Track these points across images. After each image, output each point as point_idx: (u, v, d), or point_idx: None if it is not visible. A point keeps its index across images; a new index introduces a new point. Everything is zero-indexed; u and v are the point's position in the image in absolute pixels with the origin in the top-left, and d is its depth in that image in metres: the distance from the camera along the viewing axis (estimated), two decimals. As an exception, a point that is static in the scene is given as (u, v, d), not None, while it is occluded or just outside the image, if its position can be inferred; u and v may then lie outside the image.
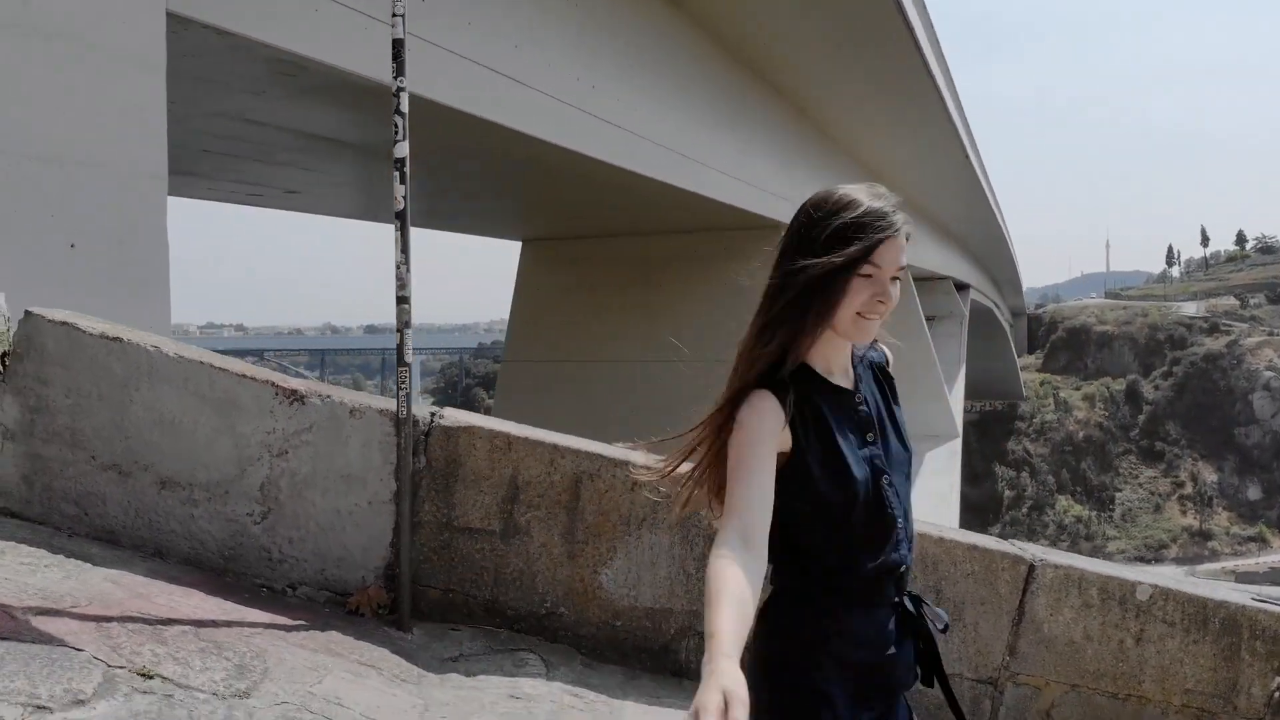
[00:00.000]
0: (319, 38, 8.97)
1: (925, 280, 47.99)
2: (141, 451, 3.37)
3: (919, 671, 1.70)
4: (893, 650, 1.63)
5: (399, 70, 3.48)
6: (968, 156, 32.33)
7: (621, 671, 3.48)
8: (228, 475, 3.38)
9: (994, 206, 47.52)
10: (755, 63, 19.31)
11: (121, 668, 2.45)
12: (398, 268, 3.32)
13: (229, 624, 2.96)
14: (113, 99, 6.69)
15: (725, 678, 1.20)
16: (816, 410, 1.58)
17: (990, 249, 59.87)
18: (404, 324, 3.33)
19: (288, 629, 3.08)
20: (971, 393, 78.61)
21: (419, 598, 3.45)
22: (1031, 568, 3.70)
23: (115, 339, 3.33)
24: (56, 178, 6.44)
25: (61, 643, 2.45)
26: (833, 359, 1.64)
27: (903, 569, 1.64)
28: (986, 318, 68.52)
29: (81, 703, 2.23)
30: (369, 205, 20.32)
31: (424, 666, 3.17)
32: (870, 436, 1.63)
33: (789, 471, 1.55)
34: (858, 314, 1.57)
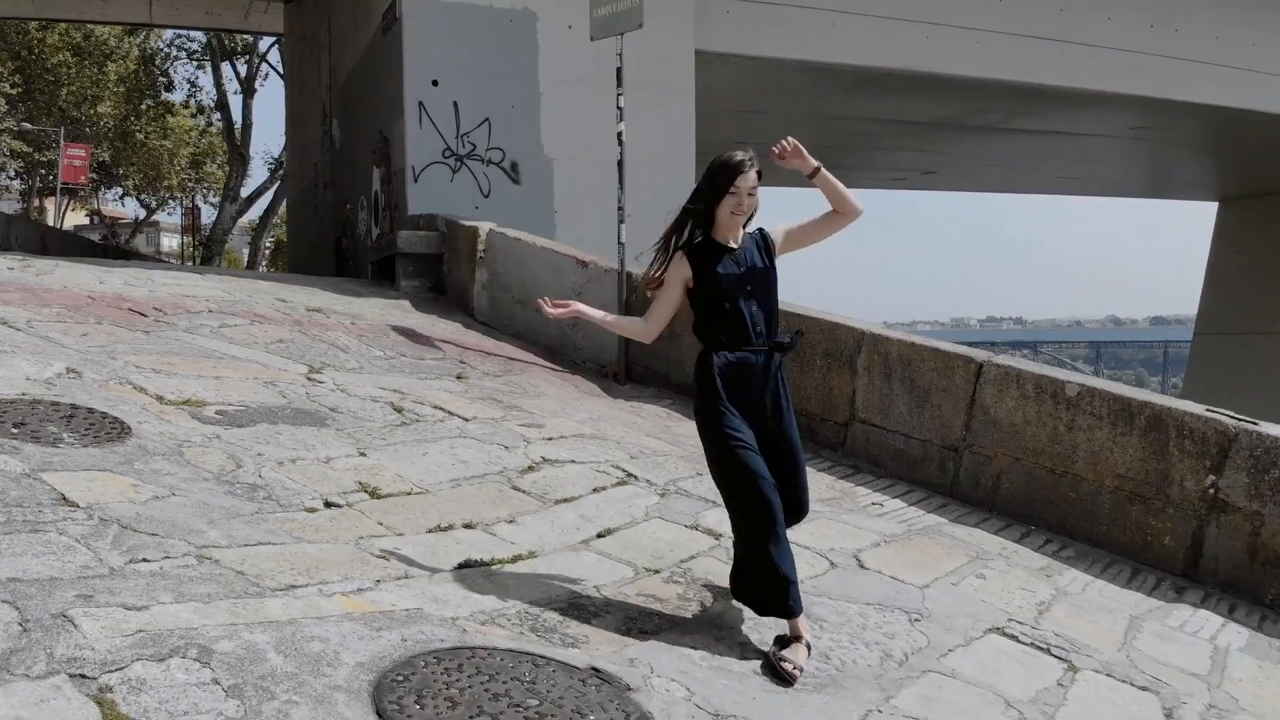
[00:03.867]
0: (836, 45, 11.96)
1: None
2: (529, 293, 6.90)
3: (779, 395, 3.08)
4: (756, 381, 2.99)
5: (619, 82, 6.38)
6: None
7: (725, 419, 5.91)
8: (558, 305, 6.73)
9: None
10: None
11: (454, 358, 5.98)
12: (618, 197, 6.30)
13: (525, 362, 6.31)
14: (659, 116, 10.50)
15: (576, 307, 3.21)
16: (709, 257, 2.99)
17: None
18: (620, 220, 6.29)
19: (555, 371, 6.31)
20: None
21: (632, 371, 6.38)
22: (981, 366, 5.04)
23: (518, 239, 6.92)
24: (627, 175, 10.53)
25: (437, 348, 6.08)
26: (727, 233, 3.00)
27: (759, 329, 2.99)
28: None
29: (463, 376, 5.77)
30: (1015, 178, 21.91)
31: (613, 395, 6.11)
32: (741, 269, 2.97)
33: (694, 288, 3.03)
34: (731, 213, 2.95)
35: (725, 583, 3.07)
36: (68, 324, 4.78)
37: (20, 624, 1.88)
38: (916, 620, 3.29)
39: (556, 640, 2.49)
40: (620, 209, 6.42)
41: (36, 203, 35.26)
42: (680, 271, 2.99)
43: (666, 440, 5.11)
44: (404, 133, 9.55)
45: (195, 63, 31.78)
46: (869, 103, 14.28)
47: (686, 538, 3.67)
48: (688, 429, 5.49)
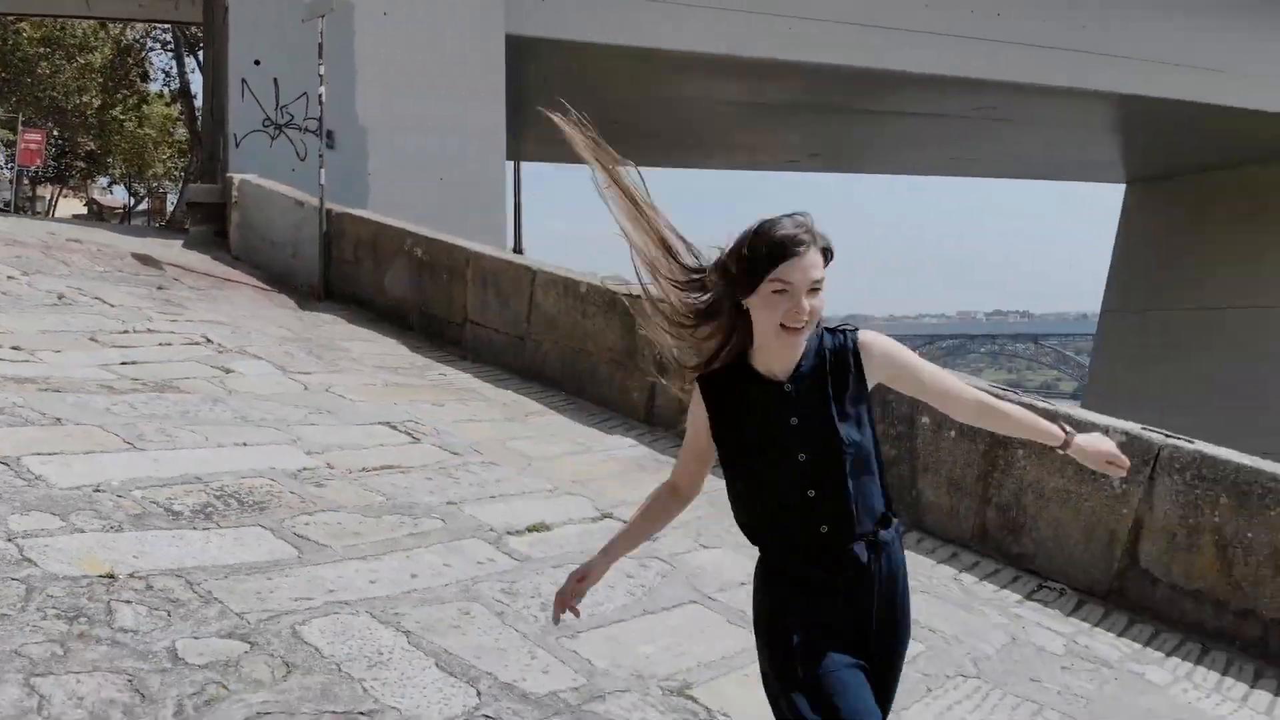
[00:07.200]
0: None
1: None
2: (268, 232, 8.40)
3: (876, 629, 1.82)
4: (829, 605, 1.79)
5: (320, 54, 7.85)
6: None
7: (389, 324, 7.36)
8: (287, 238, 8.22)
9: None
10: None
11: (172, 276, 7.48)
12: (320, 147, 7.77)
13: (240, 283, 7.80)
14: (473, 94, 12.08)
15: (578, 569, 1.96)
16: (736, 399, 1.82)
17: None
18: (321, 166, 7.76)
19: (264, 290, 7.81)
20: None
21: (330, 291, 7.88)
22: (535, 274, 6.48)
23: (259, 185, 8.41)
24: (430, 140, 12.04)
25: (162, 269, 7.60)
26: (774, 358, 1.78)
27: (824, 533, 1.78)
28: None
29: (163, 287, 7.25)
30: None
31: (302, 308, 7.57)
32: (794, 420, 1.77)
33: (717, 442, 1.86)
34: (780, 325, 1.73)
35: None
36: None
37: None
38: (314, 415, 4.75)
39: None
40: (321, 155, 7.92)
41: (30, 190, 37.20)
42: (697, 411, 1.89)
43: (291, 333, 6.58)
44: (227, 105, 11.10)
45: (170, 53, 33.57)
46: (707, 86, 15.67)
47: (188, 368, 5.15)
48: (333, 329, 6.99)
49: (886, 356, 1.85)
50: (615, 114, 17.62)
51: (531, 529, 3.81)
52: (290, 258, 8.16)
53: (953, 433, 4.66)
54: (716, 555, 3.94)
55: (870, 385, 1.83)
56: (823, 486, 1.77)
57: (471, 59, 12.03)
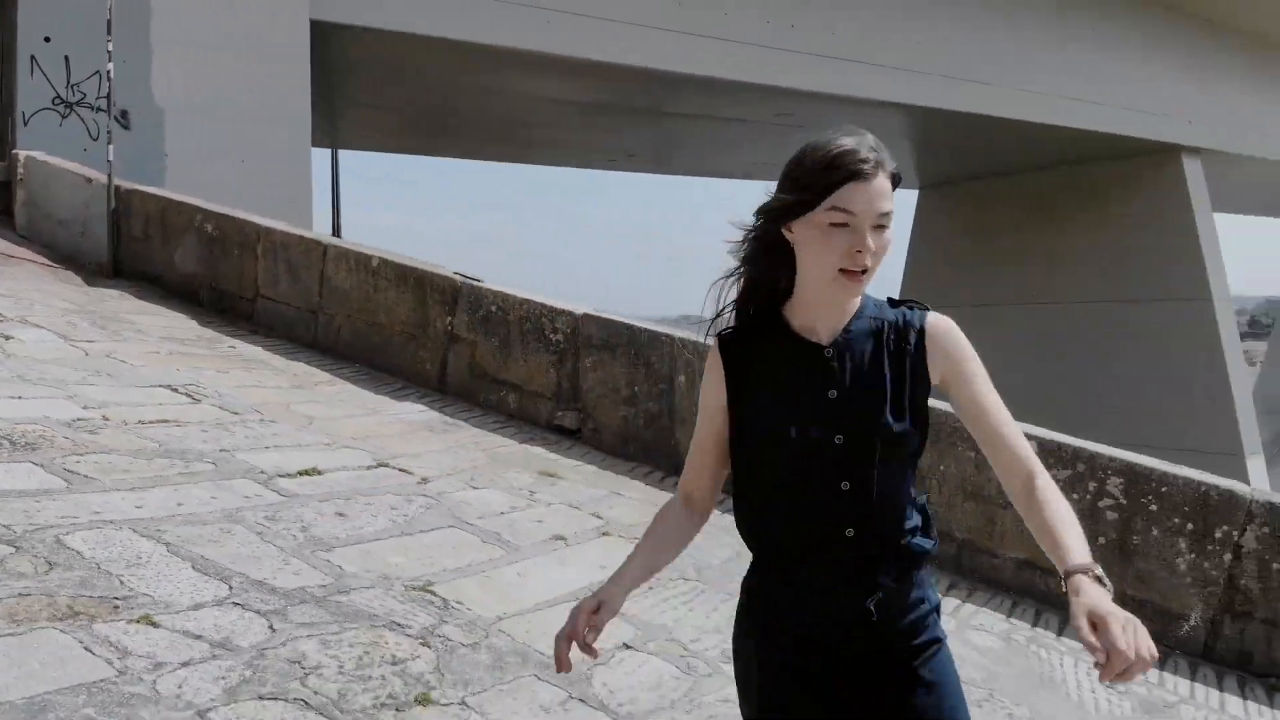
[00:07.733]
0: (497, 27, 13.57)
1: None
2: (55, 210, 8.23)
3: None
4: (830, 625, 1.44)
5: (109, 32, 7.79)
6: None
7: (179, 300, 7.40)
8: (76, 216, 8.08)
9: None
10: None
11: (-55, 251, 7.26)
12: (109, 122, 7.71)
13: (24, 260, 7.65)
14: (275, 78, 11.94)
15: (589, 599, 1.42)
16: (763, 362, 1.46)
17: None
18: (109, 142, 7.69)
19: (50, 268, 7.68)
20: None
21: (119, 269, 7.82)
22: (326, 249, 6.72)
23: (45, 162, 8.23)
24: (230, 124, 11.84)
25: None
26: (818, 313, 1.44)
27: (840, 536, 1.43)
28: None
29: None
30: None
31: (89, 285, 7.50)
32: (832, 393, 1.42)
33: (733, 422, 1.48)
34: (839, 270, 1.37)
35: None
36: None
37: None
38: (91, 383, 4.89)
39: None
40: (109, 132, 7.87)
41: None
42: (712, 383, 1.53)
43: (75, 306, 6.57)
44: (15, 83, 10.67)
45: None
46: (526, 82, 16.04)
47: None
48: (120, 304, 6.99)
49: (951, 348, 1.48)
50: (441, 103, 17.77)
51: (303, 473, 4.13)
52: (79, 236, 8.03)
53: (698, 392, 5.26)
54: (485, 494, 4.36)
55: (935, 379, 1.47)
56: (859, 480, 1.42)
57: (274, 42, 11.96)
